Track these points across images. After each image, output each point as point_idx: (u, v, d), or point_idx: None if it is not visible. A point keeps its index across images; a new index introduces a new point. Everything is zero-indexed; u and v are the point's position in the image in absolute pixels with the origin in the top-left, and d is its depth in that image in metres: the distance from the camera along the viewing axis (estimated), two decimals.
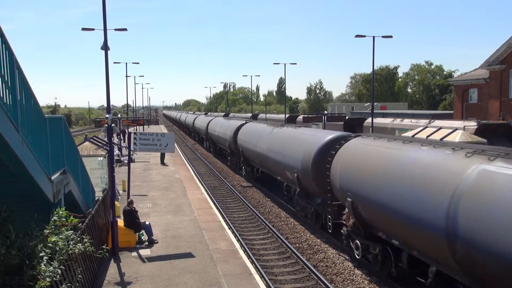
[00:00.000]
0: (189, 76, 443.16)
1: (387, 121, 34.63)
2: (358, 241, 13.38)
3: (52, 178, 10.80)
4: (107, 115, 14.06)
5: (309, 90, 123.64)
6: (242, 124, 30.83)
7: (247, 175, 28.92)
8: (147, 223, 15.40)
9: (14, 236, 7.60)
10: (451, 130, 20.67)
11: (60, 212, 8.82)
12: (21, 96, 8.70)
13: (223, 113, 78.46)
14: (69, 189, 12.80)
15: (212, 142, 43.89)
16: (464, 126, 22.78)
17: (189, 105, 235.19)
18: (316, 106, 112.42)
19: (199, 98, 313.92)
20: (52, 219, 8.66)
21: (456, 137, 19.78)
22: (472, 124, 23.32)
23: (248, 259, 13.78)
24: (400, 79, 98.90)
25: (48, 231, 8.35)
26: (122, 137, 39.83)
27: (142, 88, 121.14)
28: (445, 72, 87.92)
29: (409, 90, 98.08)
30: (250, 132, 27.63)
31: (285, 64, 51.66)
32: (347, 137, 15.60)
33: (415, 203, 9.66)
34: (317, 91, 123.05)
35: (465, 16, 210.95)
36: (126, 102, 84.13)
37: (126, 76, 56.25)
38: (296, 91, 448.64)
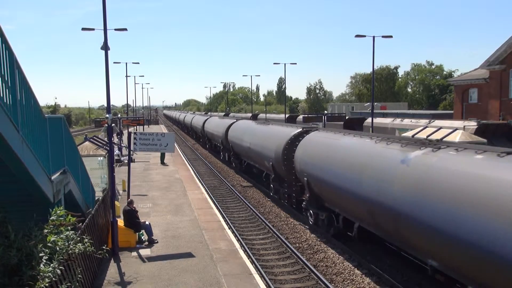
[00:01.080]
0: (189, 76, 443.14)
1: (387, 121, 34.65)
2: None
3: (52, 178, 10.80)
4: (107, 115, 14.06)
5: (309, 90, 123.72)
6: (301, 134, 19.27)
7: (319, 224, 16.80)
8: (147, 223, 15.40)
9: (13, 236, 7.60)
10: (451, 130, 20.68)
11: (58, 211, 8.81)
12: (21, 96, 8.70)
13: (223, 113, 78.45)
14: (69, 189, 12.80)
15: (234, 154, 32.22)
16: (464, 126, 22.80)
17: (189, 105, 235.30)
18: (316, 106, 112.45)
19: (199, 98, 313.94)
20: (50, 218, 8.65)
21: (456, 137, 19.79)
22: (472, 124, 23.33)
23: (248, 259, 13.78)
24: (400, 79, 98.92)
25: (47, 230, 8.34)
26: (121, 137, 39.87)
27: (142, 88, 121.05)
28: (445, 72, 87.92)
29: (409, 90, 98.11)
30: (330, 151, 15.13)
31: (285, 64, 51.62)
32: None
33: None
34: (317, 91, 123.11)
35: (465, 16, 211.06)
36: (126, 102, 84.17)
37: (126, 76, 56.38)
38: (296, 91, 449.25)
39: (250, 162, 28.18)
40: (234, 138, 31.08)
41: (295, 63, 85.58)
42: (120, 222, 14.81)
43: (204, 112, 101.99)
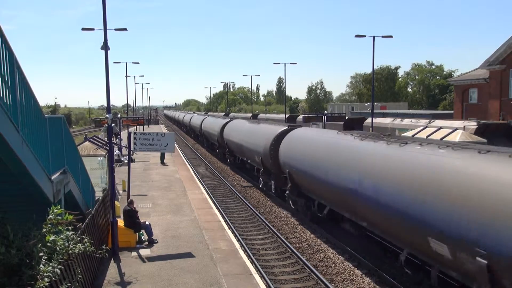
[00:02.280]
0: (189, 76, 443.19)
1: (387, 121, 34.64)
2: None
3: (52, 178, 10.80)
4: (107, 115, 14.07)
5: (310, 90, 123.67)
6: None
7: None
8: (147, 223, 15.41)
9: (13, 236, 7.60)
10: (451, 130, 20.72)
11: (55, 210, 8.79)
12: (21, 96, 8.70)
13: (223, 113, 78.22)
14: (69, 189, 12.80)
15: (295, 187, 18.85)
16: (464, 126, 22.79)
17: (189, 105, 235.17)
18: (316, 106, 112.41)
19: (199, 98, 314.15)
20: (48, 217, 8.63)
21: (456, 137, 19.80)
22: (472, 124, 23.32)
23: (248, 259, 13.78)
24: (400, 79, 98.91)
25: (45, 230, 8.33)
26: (119, 137, 39.91)
27: (142, 88, 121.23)
28: (445, 72, 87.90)
29: (409, 90, 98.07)
30: None
31: (285, 64, 51.66)
32: None
33: None
34: (318, 91, 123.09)
35: (465, 16, 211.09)
36: (126, 102, 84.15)
37: (126, 76, 56.30)
38: (296, 91, 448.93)
39: (342, 212, 14.89)
40: (296, 162, 18.10)
41: (295, 63, 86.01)
42: (120, 222, 14.81)
43: (204, 112, 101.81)
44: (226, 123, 36.16)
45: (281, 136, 21.23)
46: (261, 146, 23.40)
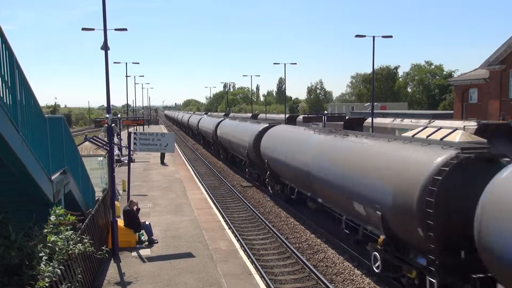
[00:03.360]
0: (189, 76, 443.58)
1: (387, 121, 34.62)
2: None
3: (52, 178, 10.80)
4: (107, 115, 14.07)
5: (310, 90, 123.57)
6: None
7: None
8: (147, 223, 15.41)
9: (14, 236, 7.60)
10: (451, 130, 20.68)
11: (57, 211, 8.79)
12: (21, 96, 8.70)
13: (223, 113, 78.11)
14: (69, 189, 12.80)
15: None
16: (464, 126, 22.77)
17: (189, 105, 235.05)
18: (316, 106, 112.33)
19: (199, 98, 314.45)
20: (50, 218, 8.63)
21: (456, 137, 19.77)
22: (472, 124, 23.30)
23: (248, 259, 13.78)
24: (400, 79, 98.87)
25: (46, 230, 8.33)
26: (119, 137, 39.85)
27: (142, 88, 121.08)
28: (445, 72, 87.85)
29: (409, 90, 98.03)
30: None
31: (285, 64, 51.67)
32: None
33: None
34: (318, 91, 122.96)
35: (465, 16, 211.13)
36: (126, 102, 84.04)
37: (126, 76, 56.26)
38: (296, 91, 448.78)
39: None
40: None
41: (295, 63, 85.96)
42: (120, 222, 14.82)
43: (204, 113, 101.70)
44: (264, 130, 23.97)
45: (464, 171, 9.39)
46: (386, 192, 11.19)
